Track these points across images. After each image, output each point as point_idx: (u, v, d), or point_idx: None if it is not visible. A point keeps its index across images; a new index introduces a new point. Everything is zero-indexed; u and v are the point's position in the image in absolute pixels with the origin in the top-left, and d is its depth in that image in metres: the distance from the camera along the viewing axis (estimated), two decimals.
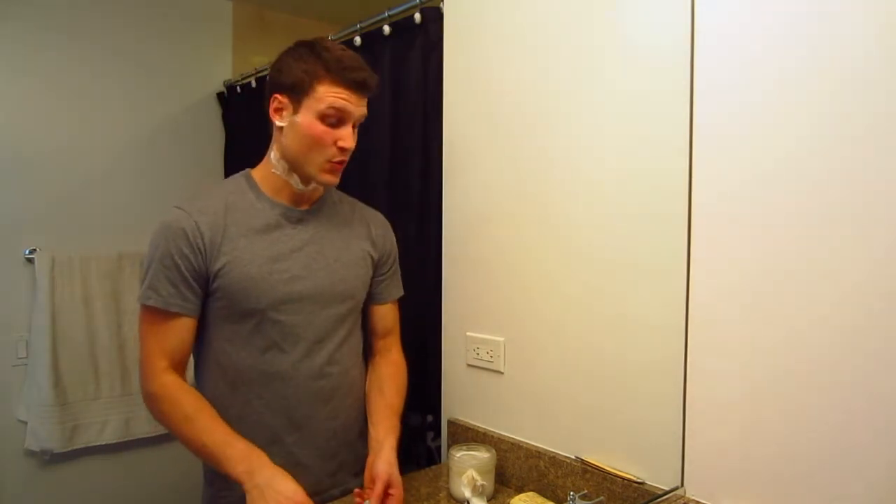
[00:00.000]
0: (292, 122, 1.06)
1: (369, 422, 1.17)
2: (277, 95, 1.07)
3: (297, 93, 1.05)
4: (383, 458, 1.06)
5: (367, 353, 1.26)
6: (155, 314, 1.03)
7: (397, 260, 1.28)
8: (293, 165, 1.08)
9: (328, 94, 1.03)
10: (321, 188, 1.15)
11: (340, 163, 1.08)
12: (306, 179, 1.10)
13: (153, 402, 1.04)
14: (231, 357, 1.08)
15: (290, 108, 1.06)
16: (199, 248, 1.03)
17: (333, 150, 1.05)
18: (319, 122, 1.04)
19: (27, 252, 1.98)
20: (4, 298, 1.96)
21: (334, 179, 1.09)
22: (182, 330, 1.04)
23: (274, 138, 1.11)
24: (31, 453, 1.98)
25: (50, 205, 2.02)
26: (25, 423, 1.97)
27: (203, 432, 0.99)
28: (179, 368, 1.06)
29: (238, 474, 0.95)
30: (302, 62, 1.04)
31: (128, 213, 2.13)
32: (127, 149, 2.17)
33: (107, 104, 2.12)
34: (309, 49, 1.05)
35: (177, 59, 2.29)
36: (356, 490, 1.06)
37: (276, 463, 0.99)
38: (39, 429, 1.95)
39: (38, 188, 2.00)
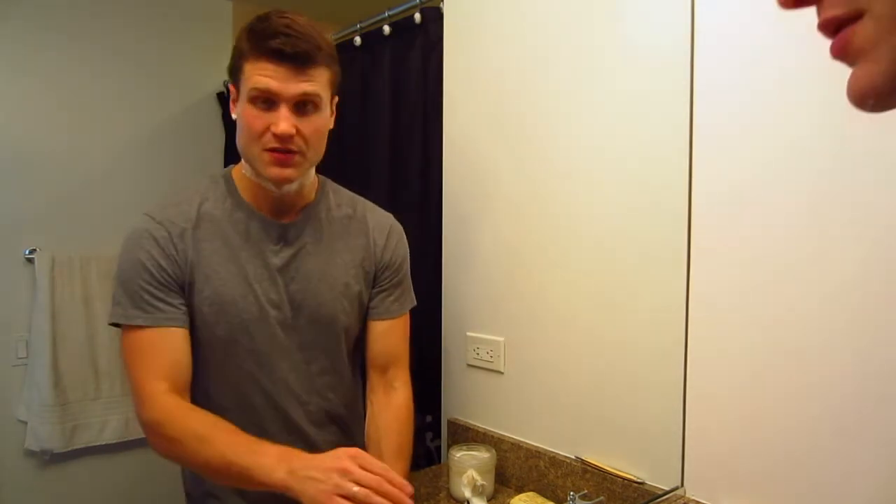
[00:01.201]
0: (238, 114, 0.93)
1: None
2: (231, 85, 0.95)
3: (236, 78, 0.92)
4: None
5: (367, 384, 1.10)
6: (143, 335, 0.91)
7: (404, 271, 1.12)
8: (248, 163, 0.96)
9: (253, 73, 0.88)
10: (313, 191, 1.04)
11: (286, 153, 0.90)
12: (267, 179, 0.95)
13: (157, 429, 0.88)
14: (207, 381, 0.98)
15: (236, 97, 0.93)
16: (173, 258, 0.92)
17: (268, 137, 0.89)
18: (251, 107, 0.89)
19: (27, 252, 1.98)
20: (4, 298, 1.96)
21: (281, 172, 0.91)
22: (177, 344, 0.92)
23: None
24: (31, 453, 1.98)
25: (50, 205, 2.02)
26: (25, 423, 1.96)
27: (225, 448, 0.83)
28: (183, 392, 0.92)
29: (280, 480, 0.78)
30: (237, 41, 0.91)
31: (128, 213, 2.09)
32: (127, 149, 2.17)
33: (107, 104, 2.12)
34: (247, 24, 0.92)
35: (177, 59, 2.28)
36: None
37: (249, 491, 0.91)
38: (39, 429, 1.95)
39: (38, 188, 1.99)
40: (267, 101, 0.88)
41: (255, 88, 0.88)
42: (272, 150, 0.90)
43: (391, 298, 1.09)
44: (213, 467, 0.85)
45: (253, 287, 0.96)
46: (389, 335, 1.09)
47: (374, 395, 1.08)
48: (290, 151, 0.90)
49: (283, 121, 0.88)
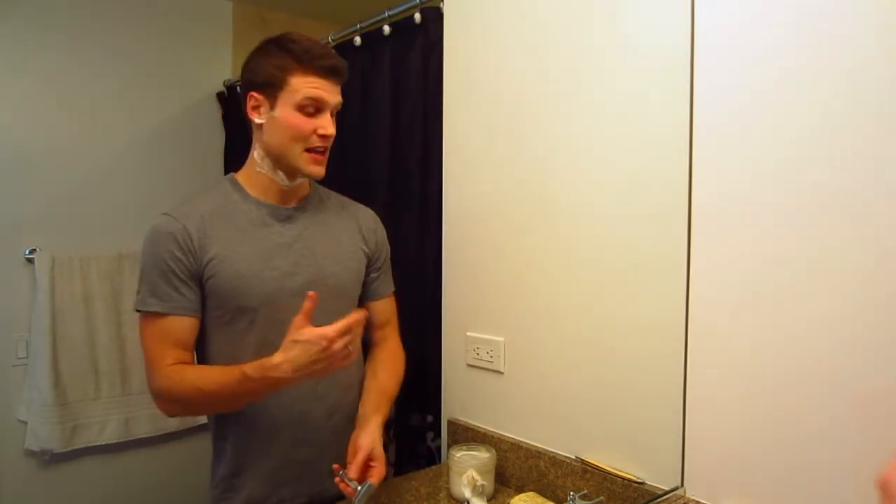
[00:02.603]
0: (271, 118, 1.07)
1: (360, 403, 1.17)
2: (253, 94, 1.08)
3: (272, 88, 1.06)
4: (367, 431, 1.06)
5: (366, 347, 1.25)
6: (157, 320, 1.04)
7: (389, 254, 1.28)
8: (277, 161, 1.10)
9: (303, 85, 1.05)
10: (307, 186, 1.17)
11: (323, 152, 1.09)
12: (292, 174, 1.10)
13: (163, 394, 1.03)
14: (227, 359, 1.07)
15: (267, 104, 1.07)
16: (189, 250, 1.04)
17: (314, 138, 1.07)
18: (298, 113, 1.05)
19: (27, 252, 1.98)
20: (4, 298, 1.96)
21: (320, 170, 1.10)
22: (186, 330, 1.05)
23: (255, 137, 1.12)
24: (31, 453, 1.98)
25: (50, 205, 2.02)
26: (25, 423, 1.97)
27: (217, 378, 1.01)
28: (185, 361, 1.06)
29: (270, 385, 0.96)
30: (272, 58, 1.07)
31: (128, 213, 2.13)
32: (127, 149, 2.17)
33: (107, 104, 2.12)
34: (276, 45, 1.07)
35: (177, 59, 2.28)
36: (335, 466, 1.02)
37: (275, 461, 1.09)
38: (39, 429, 1.95)
39: (38, 188, 1.99)
40: (314, 109, 1.06)
41: (308, 98, 1.05)
42: (312, 149, 1.07)
43: (386, 278, 1.28)
44: (220, 399, 1.03)
45: (269, 262, 1.09)
46: (385, 307, 1.27)
47: (373, 347, 1.26)
48: (325, 150, 1.09)
49: (331, 125, 1.08)
